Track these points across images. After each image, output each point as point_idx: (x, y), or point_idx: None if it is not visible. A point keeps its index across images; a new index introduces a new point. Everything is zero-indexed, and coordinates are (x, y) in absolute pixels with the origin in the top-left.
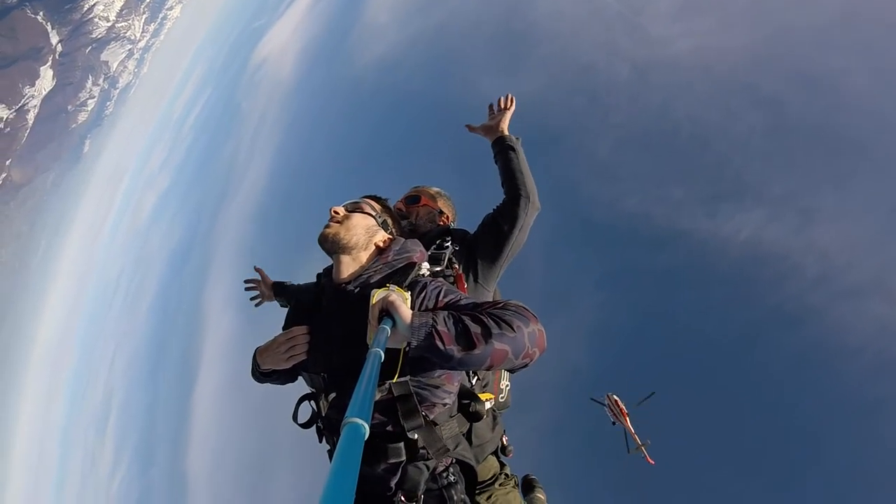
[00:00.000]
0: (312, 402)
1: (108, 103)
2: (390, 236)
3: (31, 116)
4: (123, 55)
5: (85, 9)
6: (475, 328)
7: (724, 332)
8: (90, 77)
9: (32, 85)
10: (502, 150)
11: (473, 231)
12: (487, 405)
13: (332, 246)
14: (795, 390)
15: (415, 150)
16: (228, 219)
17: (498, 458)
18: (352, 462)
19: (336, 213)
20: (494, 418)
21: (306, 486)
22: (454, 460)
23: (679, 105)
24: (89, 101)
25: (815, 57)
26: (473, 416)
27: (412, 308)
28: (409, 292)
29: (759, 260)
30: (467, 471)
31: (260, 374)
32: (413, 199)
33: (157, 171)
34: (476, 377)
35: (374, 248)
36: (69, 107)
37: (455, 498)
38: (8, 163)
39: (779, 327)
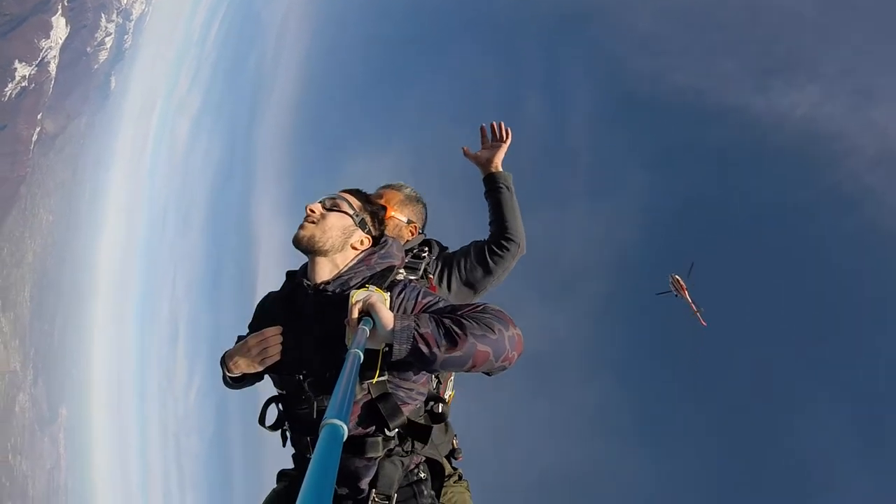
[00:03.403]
0: (280, 405)
1: (126, 37)
2: (368, 236)
3: (52, 67)
4: None
5: None
6: (457, 330)
7: (778, 210)
8: (103, 15)
9: (47, 37)
10: (495, 188)
11: (455, 250)
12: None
13: (308, 248)
14: (850, 271)
15: (442, 40)
16: (265, 128)
17: (449, 461)
18: (331, 463)
19: (312, 211)
20: (446, 423)
21: None
22: (424, 458)
23: None
24: (107, 40)
25: None
26: (437, 417)
27: (392, 309)
28: (388, 293)
29: (815, 138)
30: (435, 469)
31: (231, 380)
32: None
33: (186, 94)
34: (436, 381)
35: (350, 249)
36: (88, 49)
37: (425, 492)
38: (39, 117)
39: (834, 208)
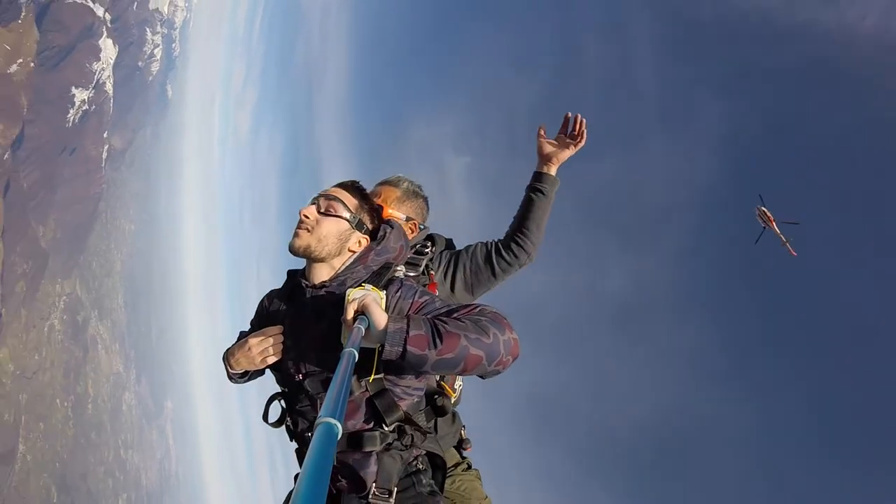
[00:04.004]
0: (283, 402)
1: (173, 45)
2: (366, 237)
3: (108, 87)
4: None
5: None
6: (451, 332)
7: (854, 128)
8: (147, 29)
9: (98, 59)
10: (538, 189)
11: (462, 249)
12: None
13: (304, 256)
14: None
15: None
16: (323, 109)
17: (459, 451)
18: (325, 461)
19: (306, 217)
20: (453, 414)
21: None
22: (424, 452)
23: None
24: (155, 51)
25: None
26: (440, 411)
27: (387, 308)
28: (385, 292)
29: (889, 49)
30: (436, 462)
31: (234, 376)
32: None
33: (242, 89)
34: (439, 378)
35: (347, 252)
36: (139, 63)
37: (423, 481)
38: (105, 135)
39: None
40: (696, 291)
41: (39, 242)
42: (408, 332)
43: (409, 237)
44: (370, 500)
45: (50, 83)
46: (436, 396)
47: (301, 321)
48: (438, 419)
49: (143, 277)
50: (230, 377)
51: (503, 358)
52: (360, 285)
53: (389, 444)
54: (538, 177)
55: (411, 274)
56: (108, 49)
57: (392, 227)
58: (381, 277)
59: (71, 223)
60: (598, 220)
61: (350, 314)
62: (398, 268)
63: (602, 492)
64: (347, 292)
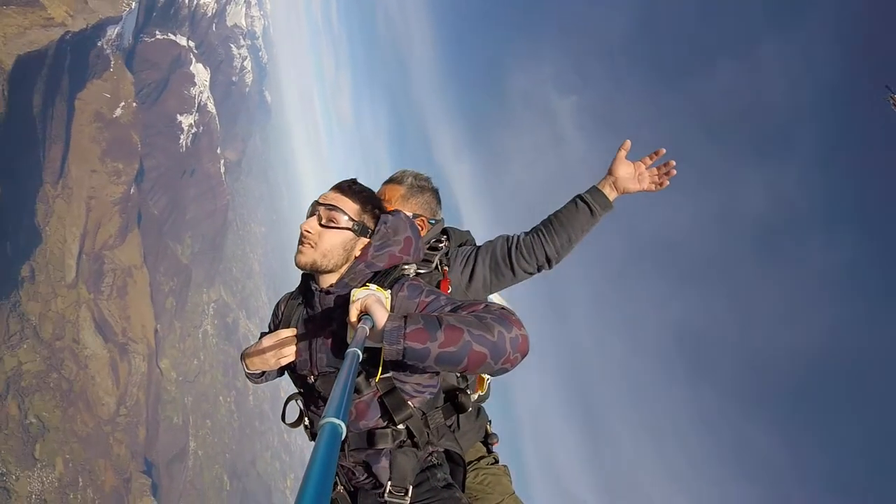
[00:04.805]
0: (300, 402)
1: (260, 53)
2: (369, 240)
3: (210, 107)
4: (242, 9)
5: (185, 1)
6: (452, 326)
7: None
8: (231, 46)
9: (194, 84)
10: (591, 206)
11: (482, 245)
12: (474, 397)
13: (311, 271)
14: None
15: None
16: (419, 77)
17: (486, 446)
18: (329, 461)
19: (308, 232)
20: (478, 410)
21: None
22: (442, 449)
23: None
24: (245, 63)
25: None
26: (459, 408)
27: (392, 308)
28: (390, 291)
29: None
30: (455, 459)
31: (251, 376)
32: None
33: (335, 76)
34: (460, 375)
35: (354, 259)
36: (233, 79)
37: (439, 475)
38: (218, 151)
39: None
40: (842, 199)
41: (180, 259)
42: (405, 328)
43: (421, 234)
44: (386, 499)
45: (155, 117)
46: (458, 392)
47: (313, 323)
48: (460, 416)
49: (281, 273)
50: (247, 376)
51: (510, 356)
52: (365, 285)
53: (402, 441)
54: (596, 194)
55: (423, 271)
56: (201, 73)
57: (390, 219)
58: (388, 277)
59: (206, 237)
60: (721, 136)
61: (353, 315)
62: (409, 266)
63: (762, 434)
64: (352, 293)
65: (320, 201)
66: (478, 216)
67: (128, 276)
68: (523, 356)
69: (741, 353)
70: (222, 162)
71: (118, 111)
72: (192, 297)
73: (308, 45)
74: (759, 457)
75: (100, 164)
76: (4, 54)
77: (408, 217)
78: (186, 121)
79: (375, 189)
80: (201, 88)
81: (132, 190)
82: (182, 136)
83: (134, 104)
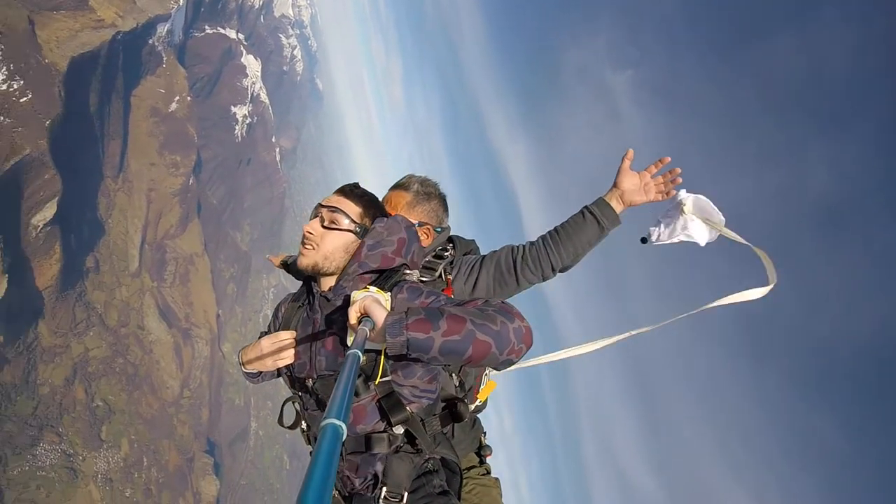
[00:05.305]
0: (297, 404)
1: (309, 41)
2: (363, 240)
3: (263, 97)
4: None
5: None
6: (454, 315)
7: None
8: (280, 35)
9: (246, 76)
10: (599, 220)
11: (486, 255)
12: (471, 407)
13: (313, 273)
14: None
15: None
16: (469, 59)
17: (479, 457)
18: (330, 463)
19: (310, 234)
20: (474, 421)
21: None
22: (438, 457)
23: None
24: (295, 52)
25: None
26: (457, 417)
27: (392, 309)
28: (389, 293)
29: None
30: (451, 467)
31: (248, 375)
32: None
33: (385, 61)
34: (458, 379)
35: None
36: (284, 68)
37: (435, 481)
38: (273, 140)
39: None
40: None
41: (240, 247)
42: (407, 320)
43: (425, 243)
44: (381, 503)
45: (210, 109)
46: (456, 401)
47: (313, 326)
48: (456, 425)
49: None
50: (244, 375)
51: (515, 346)
52: (365, 287)
53: (399, 446)
54: (604, 207)
55: (426, 279)
56: (252, 64)
57: (386, 220)
58: (388, 280)
59: (264, 224)
60: (782, 110)
61: (353, 316)
62: (408, 272)
63: (826, 422)
64: (352, 295)
65: (323, 203)
66: (533, 196)
67: (189, 264)
68: (528, 347)
69: (804, 338)
70: (277, 150)
71: (173, 105)
72: (253, 283)
73: (357, 31)
74: (823, 448)
75: (158, 157)
76: (58, 57)
77: (405, 220)
78: (240, 111)
79: (382, 194)
80: (253, 79)
81: (191, 181)
82: (237, 127)
83: (188, 98)
